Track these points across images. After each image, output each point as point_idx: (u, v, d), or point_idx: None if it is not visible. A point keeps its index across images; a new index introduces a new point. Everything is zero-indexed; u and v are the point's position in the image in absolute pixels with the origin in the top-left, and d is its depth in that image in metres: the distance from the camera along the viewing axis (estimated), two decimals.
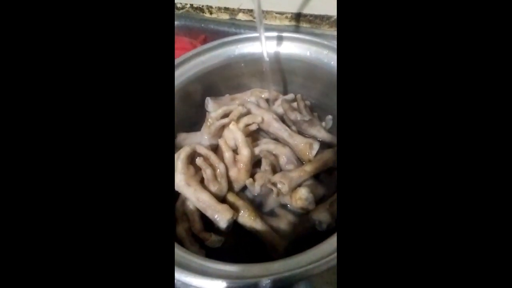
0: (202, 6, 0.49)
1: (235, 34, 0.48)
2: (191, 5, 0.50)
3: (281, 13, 0.44)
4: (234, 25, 0.51)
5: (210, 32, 0.53)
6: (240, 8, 0.45)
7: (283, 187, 0.34)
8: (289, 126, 0.40)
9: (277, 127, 0.39)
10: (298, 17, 0.44)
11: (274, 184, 0.35)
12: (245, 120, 0.39)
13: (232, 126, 0.37)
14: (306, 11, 0.42)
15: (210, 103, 0.43)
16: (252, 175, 0.37)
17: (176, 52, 0.52)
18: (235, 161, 0.36)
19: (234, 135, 0.37)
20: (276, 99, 0.45)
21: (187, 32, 0.55)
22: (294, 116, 0.41)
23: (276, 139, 0.40)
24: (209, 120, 0.41)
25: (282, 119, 0.42)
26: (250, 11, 0.46)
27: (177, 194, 0.35)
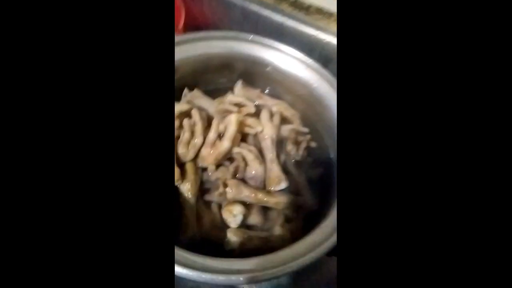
0: None
1: None
2: None
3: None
4: None
5: None
6: None
7: (229, 193, 0.36)
8: (278, 152, 0.41)
9: (267, 147, 0.40)
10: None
11: (225, 185, 0.36)
12: (249, 121, 0.41)
13: (233, 117, 0.38)
14: None
15: (238, 86, 0.45)
16: (217, 165, 0.39)
17: None
18: (213, 144, 0.38)
19: (229, 125, 0.38)
20: (291, 121, 0.45)
21: None
22: (290, 148, 0.42)
23: (260, 151, 0.41)
24: (225, 98, 0.43)
25: (280, 140, 0.42)
26: None
27: None
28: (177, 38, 0.41)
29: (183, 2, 0.56)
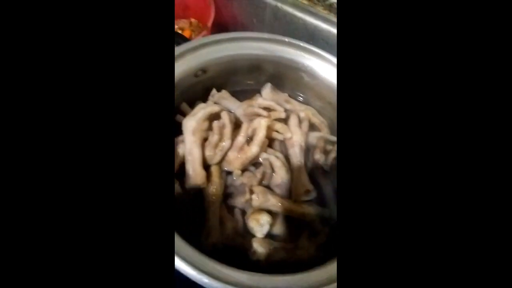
0: None
1: None
2: None
3: None
4: None
5: None
6: None
7: (256, 200, 0.35)
8: (306, 160, 0.40)
9: (295, 154, 0.39)
10: None
11: (251, 192, 0.35)
12: (277, 127, 0.39)
13: (263, 121, 0.37)
14: None
15: (266, 89, 0.44)
16: (243, 169, 0.37)
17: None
18: (241, 148, 0.37)
19: (258, 130, 0.37)
20: (319, 129, 0.43)
21: None
22: (318, 157, 0.40)
23: (287, 158, 0.40)
24: (254, 101, 0.41)
25: (307, 147, 0.41)
26: None
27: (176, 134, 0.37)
28: (207, 39, 0.40)
29: (213, 1, 0.55)
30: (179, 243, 0.27)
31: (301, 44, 0.42)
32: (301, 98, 0.47)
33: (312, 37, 0.49)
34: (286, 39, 0.42)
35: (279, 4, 0.50)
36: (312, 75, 0.43)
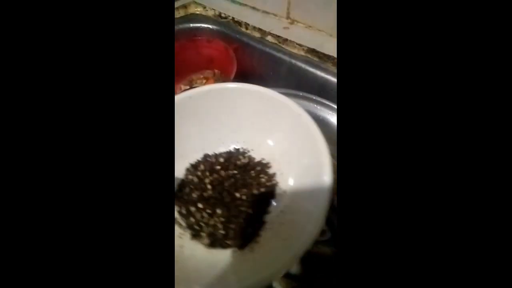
0: (241, 21, 0.64)
1: (261, 51, 0.60)
2: (233, 18, 0.66)
3: (300, 45, 0.56)
4: (262, 43, 0.61)
5: (242, 44, 0.64)
6: (271, 32, 0.60)
7: None
8: None
9: None
10: (311, 51, 0.55)
11: None
12: None
13: None
14: (319, 49, 0.54)
15: None
16: None
17: (212, 51, 0.65)
18: None
19: None
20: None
21: (224, 38, 0.66)
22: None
23: None
24: None
25: None
26: (278, 36, 0.60)
27: None
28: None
29: (235, 55, 0.63)
30: None
31: (313, 97, 0.48)
32: None
33: (323, 88, 0.55)
34: (300, 93, 0.48)
35: (293, 61, 0.57)
36: (324, 123, 0.49)
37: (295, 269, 0.38)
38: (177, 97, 0.36)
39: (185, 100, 0.36)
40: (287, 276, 0.37)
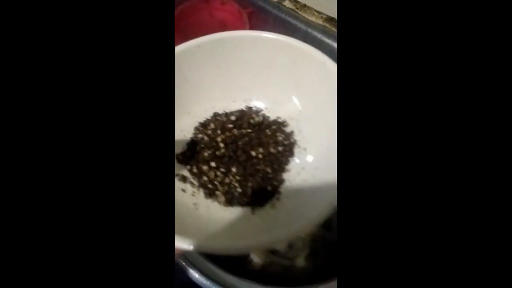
0: None
1: (276, 17, 0.56)
2: None
3: (319, 13, 0.53)
4: (278, 8, 0.57)
5: (257, 8, 0.59)
6: None
7: None
8: None
9: None
10: (330, 20, 0.52)
11: None
12: None
13: None
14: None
15: None
16: None
17: (225, 14, 0.62)
18: None
19: None
20: None
21: (239, 0, 0.61)
22: None
23: None
24: None
25: None
26: (296, 2, 0.56)
27: None
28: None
29: (248, 20, 0.59)
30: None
31: None
32: None
33: (335, 58, 0.50)
34: None
35: (309, 30, 0.53)
36: None
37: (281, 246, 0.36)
38: (183, 46, 0.32)
39: (194, 50, 0.32)
40: (270, 250, 0.35)
